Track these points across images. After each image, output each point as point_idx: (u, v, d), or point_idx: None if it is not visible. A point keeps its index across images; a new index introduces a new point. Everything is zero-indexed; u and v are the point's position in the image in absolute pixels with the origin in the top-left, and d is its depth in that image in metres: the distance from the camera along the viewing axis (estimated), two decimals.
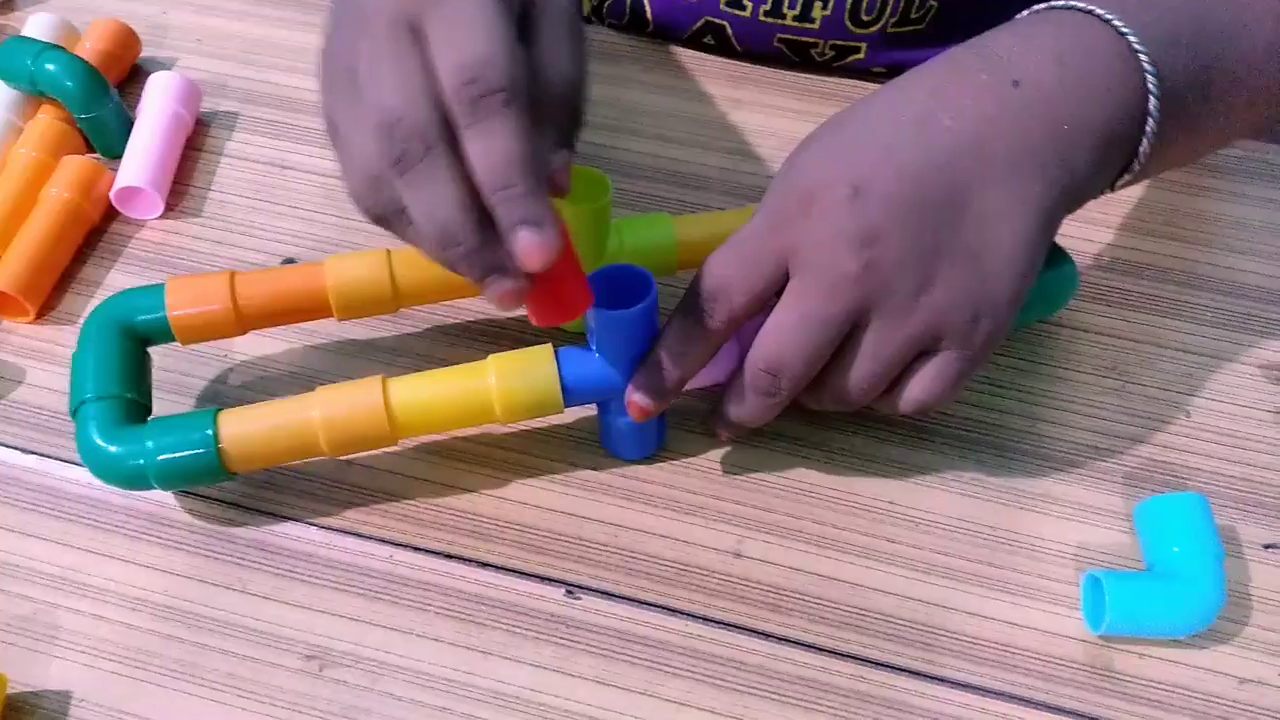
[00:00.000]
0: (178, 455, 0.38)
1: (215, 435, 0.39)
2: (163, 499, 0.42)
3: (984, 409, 0.46)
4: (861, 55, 0.59)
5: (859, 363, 0.38)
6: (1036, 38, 0.39)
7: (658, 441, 0.44)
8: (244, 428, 0.39)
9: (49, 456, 0.44)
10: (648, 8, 0.60)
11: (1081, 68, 0.38)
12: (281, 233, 0.51)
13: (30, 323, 0.48)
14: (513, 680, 0.39)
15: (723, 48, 0.60)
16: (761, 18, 0.58)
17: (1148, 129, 0.38)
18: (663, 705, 0.38)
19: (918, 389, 0.39)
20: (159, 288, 0.42)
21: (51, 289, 0.48)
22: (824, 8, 0.56)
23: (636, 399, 0.39)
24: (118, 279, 0.49)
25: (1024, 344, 0.47)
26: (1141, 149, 0.39)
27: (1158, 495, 0.41)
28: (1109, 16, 0.38)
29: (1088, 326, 0.48)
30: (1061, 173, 0.37)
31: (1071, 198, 0.38)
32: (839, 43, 0.58)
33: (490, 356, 0.40)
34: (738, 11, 0.58)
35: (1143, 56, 0.38)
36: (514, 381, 0.39)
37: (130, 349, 0.41)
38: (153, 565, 0.41)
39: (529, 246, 0.32)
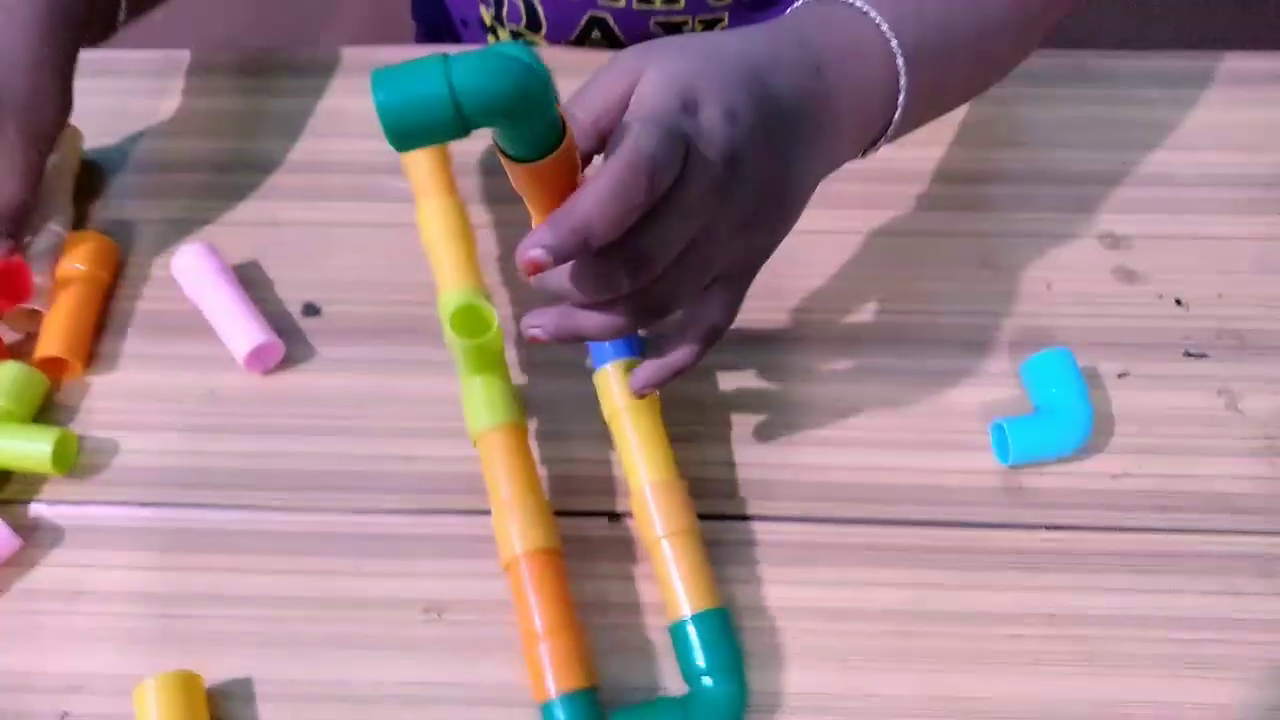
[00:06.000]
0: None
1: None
2: (280, 523, 0.52)
3: (889, 313, 0.57)
4: (725, 24, 0.68)
5: (691, 264, 0.40)
6: (831, 30, 0.43)
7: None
8: None
9: (164, 505, 0.53)
10: (540, 9, 0.68)
11: (858, 67, 0.44)
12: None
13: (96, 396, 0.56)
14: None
15: (610, 41, 0.69)
16: (635, 5, 0.66)
17: (895, 116, 0.45)
18: None
19: (717, 313, 0.43)
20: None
21: (90, 345, 0.56)
22: None
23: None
24: None
25: (910, 255, 0.59)
26: (890, 131, 0.46)
27: (1035, 354, 0.53)
28: (879, 20, 0.44)
29: (960, 232, 0.60)
30: (841, 144, 0.44)
31: (837, 166, 0.46)
32: (705, 18, 0.67)
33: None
34: (615, 3, 0.66)
35: (899, 60, 0.44)
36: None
37: None
38: (266, 569, 0.51)
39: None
